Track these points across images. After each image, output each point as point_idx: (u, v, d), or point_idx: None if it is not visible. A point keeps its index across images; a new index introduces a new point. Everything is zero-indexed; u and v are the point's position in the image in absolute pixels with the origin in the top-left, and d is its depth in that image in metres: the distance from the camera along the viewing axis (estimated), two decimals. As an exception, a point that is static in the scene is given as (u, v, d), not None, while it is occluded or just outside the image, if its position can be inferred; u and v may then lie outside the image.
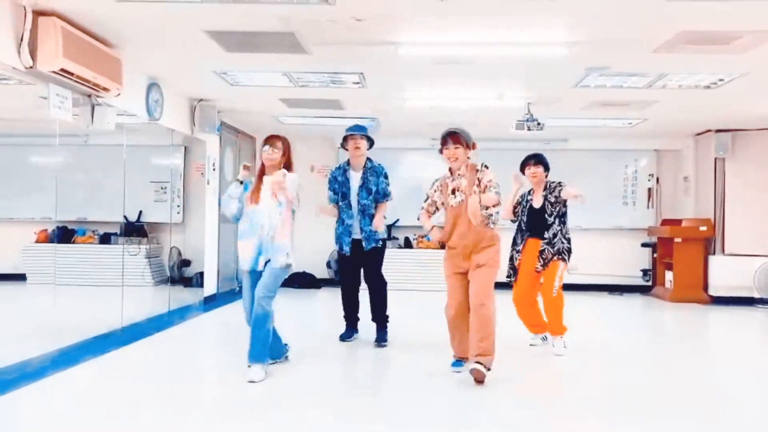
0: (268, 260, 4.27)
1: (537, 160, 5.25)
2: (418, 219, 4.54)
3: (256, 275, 4.31)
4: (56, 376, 4.19)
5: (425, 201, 4.54)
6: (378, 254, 5.48)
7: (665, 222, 9.62)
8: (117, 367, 4.66)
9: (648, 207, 10.04)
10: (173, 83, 6.62)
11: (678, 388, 4.25)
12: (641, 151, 9.99)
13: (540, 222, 5.18)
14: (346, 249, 5.42)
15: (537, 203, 5.24)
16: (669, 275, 9.13)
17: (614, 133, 9.28)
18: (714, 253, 8.94)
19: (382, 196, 5.43)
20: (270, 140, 4.39)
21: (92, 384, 4.16)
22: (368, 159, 5.47)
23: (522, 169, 5.28)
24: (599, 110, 7.56)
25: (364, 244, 5.38)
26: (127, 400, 3.74)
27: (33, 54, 4.22)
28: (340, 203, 5.44)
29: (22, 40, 4.16)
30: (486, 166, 4.32)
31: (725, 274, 8.78)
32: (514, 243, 5.34)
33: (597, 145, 9.66)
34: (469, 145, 4.32)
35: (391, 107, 7.56)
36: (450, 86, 6.57)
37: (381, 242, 5.47)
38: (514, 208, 5.34)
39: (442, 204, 4.43)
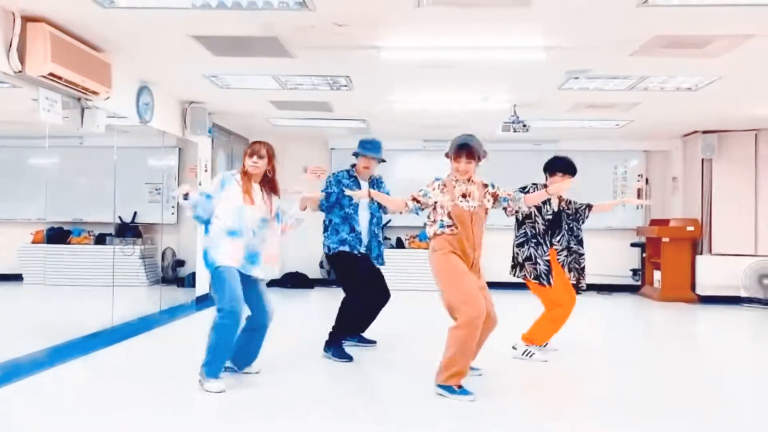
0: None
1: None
2: (407, 205, 4.21)
3: (243, 276, 4.15)
4: (42, 375, 4.26)
5: (419, 191, 4.20)
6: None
7: (654, 222, 9.73)
8: (104, 365, 4.76)
9: (637, 207, 10.13)
10: (163, 86, 6.74)
11: (671, 388, 4.26)
12: (631, 152, 10.10)
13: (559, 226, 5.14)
14: (361, 249, 5.12)
15: (556, 206, 5.15)
16: (657, 275, 9.23)
17: (603, 135, 9.39)
18: (701, 253, 9.04)
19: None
20: (255, 149, 4.20)
21: (77, 382, 4.25)
22: None
23: (550, 172, 5.15)
24: (585, 112, 7.67)
25: (377, 262, 5.26)
26: (112, 399, 3.82)
27: (22, 59, 4.34)
28: (347, 209, 5.10)
29: (11, 45, 4.28)
30: (494, 185, 4.29)
31: (712, 273, 8.88)
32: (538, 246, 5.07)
33: (587, 146, 9.75)
34: (480, 158, 4.16)
35: (381, 110, 7.68)
36: (436, 89, 6.68)
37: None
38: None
39: (441, 207, 4.14)
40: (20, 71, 4.37)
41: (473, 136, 4.19)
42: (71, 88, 4.85)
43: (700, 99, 6.77)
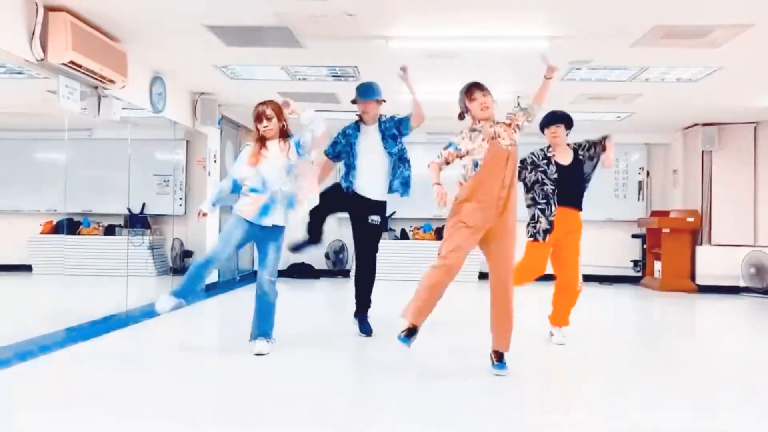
0: (274, 226, 4.35)
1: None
2: (429, 166, 4.12)
3: (253, 229, 4.35)
4: (42, 359, 4.25)
5: (444, 149, 4.09)
6: (377, 231, 5.27)
7: (654, 213, 9.89)
8: (116, 346, 4.82)
9: (639, 199, 10.30)
10: (176, 77, 6.89)
11: (670, 375, 4.24)
12: (632, 145, 10.23)
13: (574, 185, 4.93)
14: (350, 188, 5.19)
15: (565, 160, 4.93)
16: (658, 265, 9.38)
17: (605, 128, 9.42)
18: (701, 244, 9.19)
19: (407, 118, 5.24)
20: (260, 113, 4.40)
21: (74, 369, 4.16)
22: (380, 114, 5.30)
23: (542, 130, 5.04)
24: (587, 104, 7.81)
25: (401, 192, 5.22)
26: (121, 383, 3.77)
27: (44, 47, 4.50)
28: (345, 161, 5.25)
29: (33, 34, 4.43)
30: (509, 116, 4.09)
31: (712, 263, 9.04)
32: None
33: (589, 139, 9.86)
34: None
35: (387, 101, 7.79)
36: (441, 80, 6.81)
37: (379, 217, 5.22)
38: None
39: (466, 153, 4.01)
40: (42, 59, 4.52)
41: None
42: (89, 76, 5.01)
43: (700, 91, 6.92)
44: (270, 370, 4.17)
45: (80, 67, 4.77)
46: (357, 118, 5.36)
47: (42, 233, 10.04)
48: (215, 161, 8.39)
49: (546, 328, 5.18)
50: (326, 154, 5.38)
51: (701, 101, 7.60)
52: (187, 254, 10.03)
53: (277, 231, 4.43)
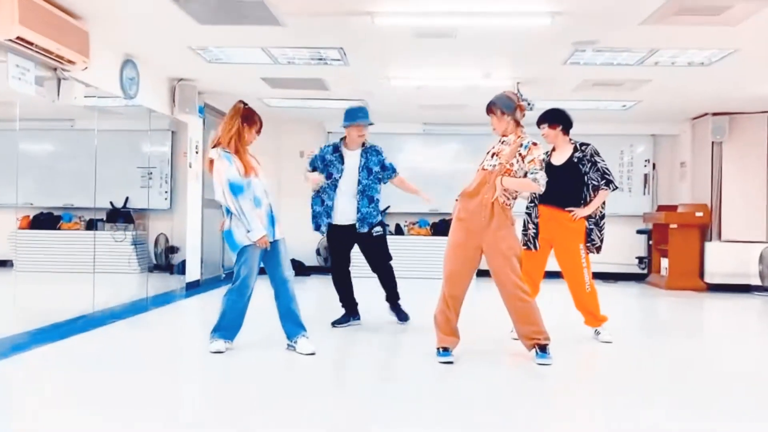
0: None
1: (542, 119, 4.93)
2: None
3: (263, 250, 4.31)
4: (14, 359, 4.07)
5: None
6: (382, 241, 5.39)
7: (661, 208, 9.43)
8: (79, 351, 4.49)
9: (644, 193, 9.84)
10: (150, 60, 6.43)
11: (674, 376, 4.05)
12: (638, 136, 9.78)
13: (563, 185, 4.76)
14: (323, 229, 5.31)
15: (558, 160, 4.86)
16: (665, 262, 8.92)
17: (610, 118, 9.08)
18: (710, 240, 8.72)
19: (392, 171, 5.37)
20: (261, 124, 4.38)
21: (48, 369, 3.98)
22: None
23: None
24: (592, 91, 7.35)
25: (357, 225, 5.22)
26: (82, 387, 3.57)
27: (-13, 21, 4.04)
28: (323, 186, 5.25)
29: (-26, 6, 3.99)
30: (534, 143, 4.03)
31: (722, 260, 8.57)
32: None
33: (593, 130, 9.35)
34: (505, 112, 4.08)
35: (377, 87, 7.36)
36: (435, 64, 6.37)
37: (380, 227, 5.35)
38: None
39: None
40: (-14, 34, 4.07)
41: (503, 92, 4.22)
42: (44, 55, 4.55)
43: (712, 76, 6.45)
44: (266, 369, 4.02)
45: (32, 44, 4.31)
46: (338, 142, 5.32)
47: (20, 228, 9.62)
48: (197, 152, 7.93)
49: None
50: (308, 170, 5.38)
51: (713, 87, 7.12)
52: (172, 250, 9.61)
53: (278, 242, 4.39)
